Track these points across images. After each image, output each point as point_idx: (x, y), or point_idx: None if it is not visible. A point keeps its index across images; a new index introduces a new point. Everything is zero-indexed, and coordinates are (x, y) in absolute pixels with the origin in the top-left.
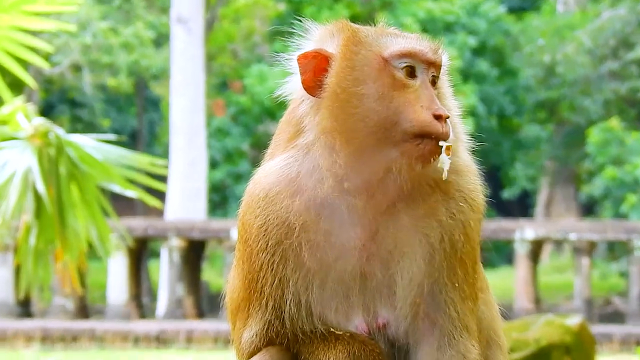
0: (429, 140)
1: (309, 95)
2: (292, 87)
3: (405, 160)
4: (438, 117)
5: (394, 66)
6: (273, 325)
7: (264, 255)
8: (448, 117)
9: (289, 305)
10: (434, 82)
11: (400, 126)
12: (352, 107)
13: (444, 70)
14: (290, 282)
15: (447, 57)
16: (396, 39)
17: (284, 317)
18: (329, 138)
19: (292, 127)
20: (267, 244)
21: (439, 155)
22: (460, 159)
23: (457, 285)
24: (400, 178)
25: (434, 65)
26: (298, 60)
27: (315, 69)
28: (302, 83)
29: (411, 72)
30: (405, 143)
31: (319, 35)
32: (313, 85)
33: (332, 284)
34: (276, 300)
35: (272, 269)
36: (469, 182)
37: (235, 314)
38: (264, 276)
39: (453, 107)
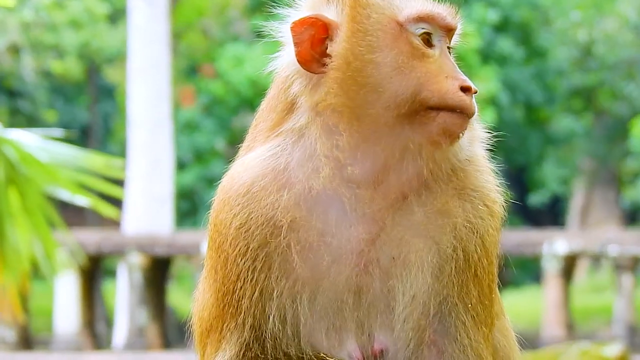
0: (453, 112)
1: (304, 70)
2: (281, 63)
3: (426, 137)
4: (465, 90)
5: (411, 32)
6: (251, 348)
7: (243, 261)
8: (476, 92)
9: (272, 321)
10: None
11: (421, 98)
12: (366, 76)
13: (455, 39)
14: (275, 293)
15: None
16: (409, 0)
17: (264, 338)
18: (332, 116)
19: (277, 113)
20: (248, 248)
21: (465, 130)
22: (473, 153)
23: (470, 306)
24: (419, 160)
25: (451, 33)
26: (292, 28)
27: (313, 40)
28: (297, 56)
29: (428, 40)
30: (425, 118)
31: (312, 1)
32: (310, 59)
33: (323, 297)
34: (256, 318)
35: (253, 278)
36: (486, 180)
37: (206, 336)
38: (241, 287)
39: None
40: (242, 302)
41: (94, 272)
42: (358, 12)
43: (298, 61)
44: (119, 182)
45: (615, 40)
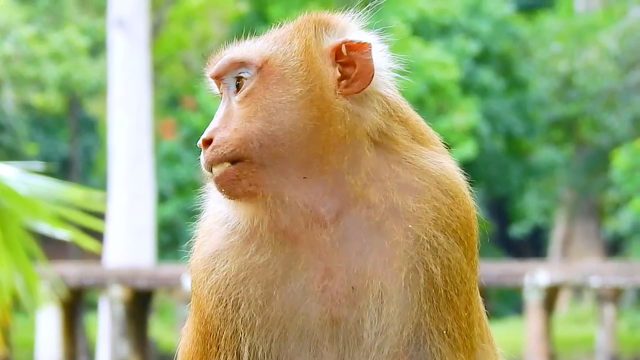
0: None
1: None
2: None
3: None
4: (204, 144)
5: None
6: None
7: (215, 309)
8: (210, 140)
9: (247, 358)
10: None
11: None
12: None
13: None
14: (246, 332)
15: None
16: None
17: None
18: None
19: None
20: (220, 298)
21: (231, 182)
22: (439, 165)
23: (445, 332)
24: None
25: (218, 81)
26: None
27: None
28: None
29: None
30: None
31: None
32: None
33: (297, 334)
34: (234, 355)
35: (227, 320)
36: (456, 196)
37: None
38: (217, 327)
39: None
40: (220, 342)
41: (76, 305)
42: None
43: None
44: (100, 215)
45: (596, 71)
